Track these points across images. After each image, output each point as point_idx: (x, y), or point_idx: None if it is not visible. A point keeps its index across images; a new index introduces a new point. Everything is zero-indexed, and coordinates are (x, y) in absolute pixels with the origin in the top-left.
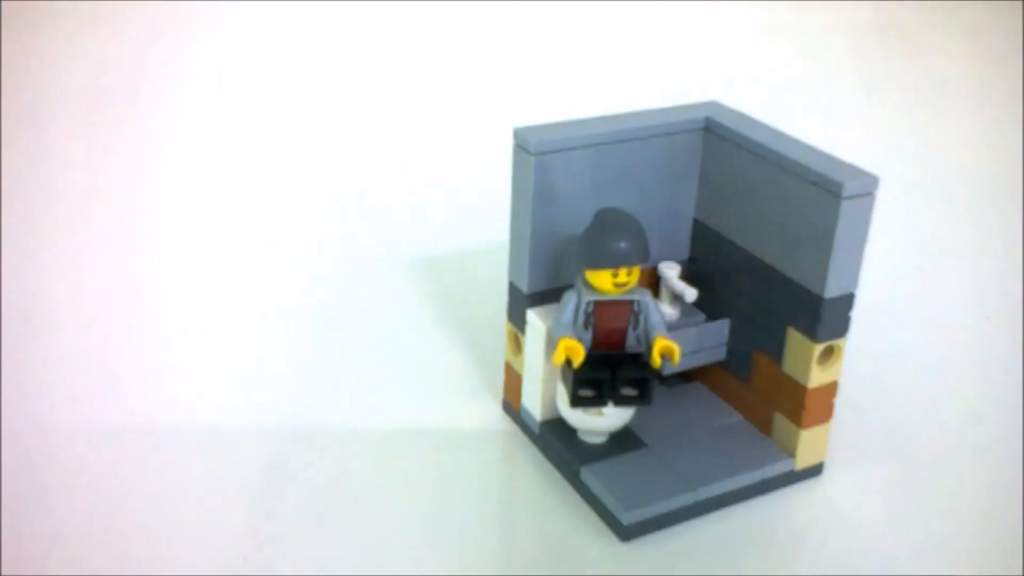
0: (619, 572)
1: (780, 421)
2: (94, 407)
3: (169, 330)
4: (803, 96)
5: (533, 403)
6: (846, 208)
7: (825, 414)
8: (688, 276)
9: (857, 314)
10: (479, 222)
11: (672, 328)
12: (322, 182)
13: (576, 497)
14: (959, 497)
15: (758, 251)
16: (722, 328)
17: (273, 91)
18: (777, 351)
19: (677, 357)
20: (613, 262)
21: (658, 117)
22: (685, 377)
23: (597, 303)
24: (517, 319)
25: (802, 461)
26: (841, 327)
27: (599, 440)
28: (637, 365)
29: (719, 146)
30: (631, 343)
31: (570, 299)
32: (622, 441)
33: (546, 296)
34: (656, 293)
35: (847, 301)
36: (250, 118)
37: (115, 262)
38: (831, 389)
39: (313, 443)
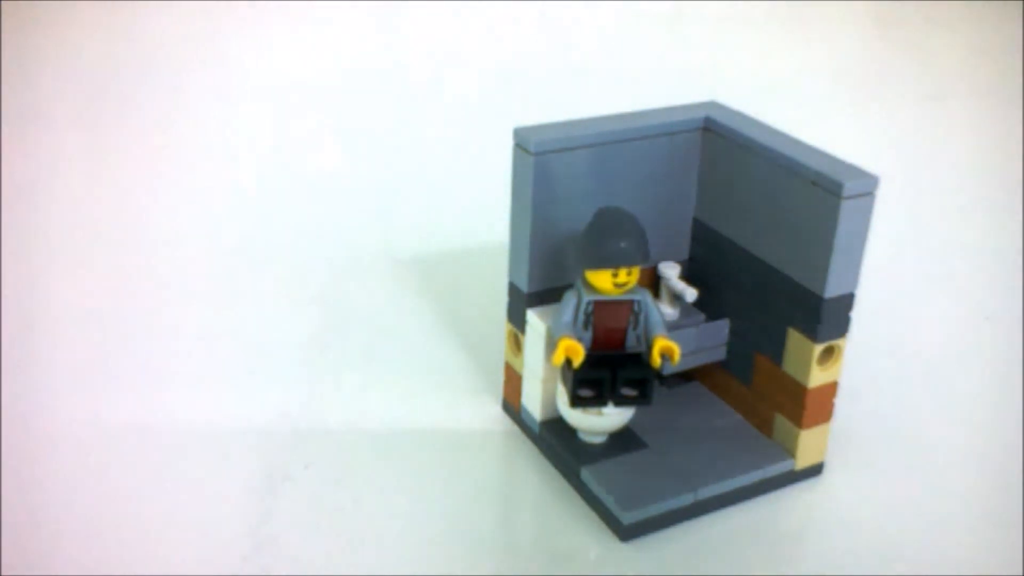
0: (619, 572)
1: (780, 421)
2: (94, 407)
3: (169, 330)
4: (803, 96)
5: (533, 403)
6: (846, 208)
7: (825, 414)
8: (688, 276)
9: (857, 314)
10: (479, 222)
11: (672, 328)
12: (322, 182)
13: (576, 497)
14: (959, 497)
15: (758, 251)
16: (722, 328)
17: (273, 91)
18: (777, 351)
19: (677, 357)
20: (613, 262)
21: (658, 117)
22: (685, 377)
23: (597, 303)
24: (517, 319)
25: (802, 461)
26: (841, 327)
27: (599, 440)
28: (637, 365)
29: (719, 146)
30: (631, 343)
31: (570, 299)
32: (622, 441)
33: (546, 296)
34: (656, 293)
35: (847, 301)
36: (250, 117)
37: (115, 262)
38: (831, 389)
39: (313, 443)
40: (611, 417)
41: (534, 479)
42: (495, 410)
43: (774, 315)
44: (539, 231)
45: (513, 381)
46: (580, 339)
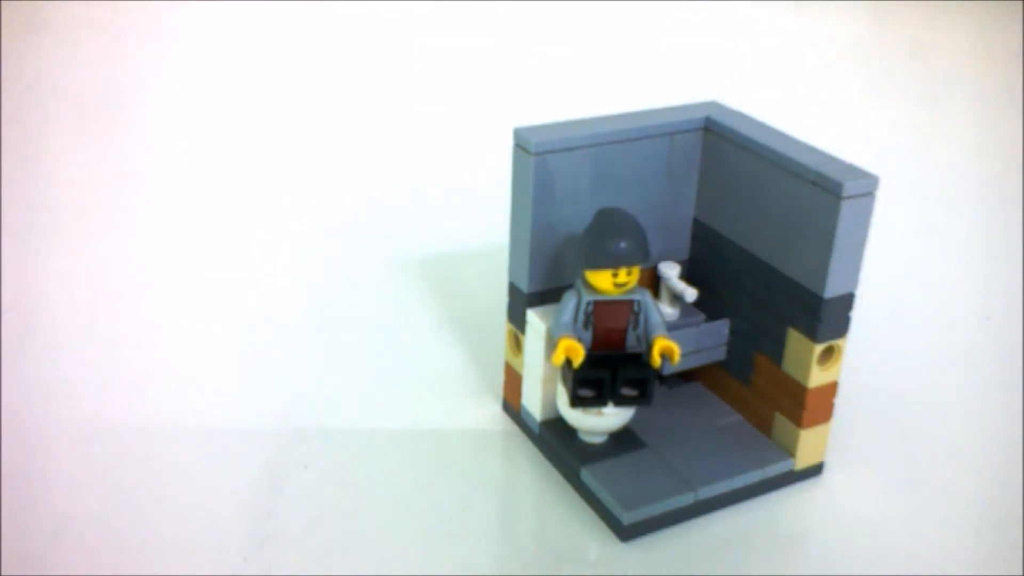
0: (619, 572)
1: (780, 421)
2: (94, 407)
3: (169, 330)
4: (803, 96)
5: (533, 403)
6: (846, 208)
7: (825, 414)
8: (688, 276)
9: (857, 314)
10: (479, 222)
11: (672, 328)
12: (322, 182)
13: (576, 497)
14: (959, 497)
15: (758, 251)
16: (722, 328)
17: (273, 91)
18: (777, 351)
19: (677, 357)
20: (613, 262)
21: (658, 117)
22: (685, 377)
23: (597, 303)
24: (517, 319)
25: (802, 461)
26: (841, 327)
27: (599, 440)
28: (637, 365)
29: (719, 146)
30: (631, 343)
31: (570, 299)
32: (622, 441)
33: (546, 296)
34: (656, 293)
35: (847, 301)
36: (250, 118)
37: (115, 262)
38: (831, 389)
39: (313, 443)
40: (611, 417)
41: (534, 479)
42: (495, 410)
43: (774, 315)
44: (539, 231)
45: (513, 381)
46: (580, 339)
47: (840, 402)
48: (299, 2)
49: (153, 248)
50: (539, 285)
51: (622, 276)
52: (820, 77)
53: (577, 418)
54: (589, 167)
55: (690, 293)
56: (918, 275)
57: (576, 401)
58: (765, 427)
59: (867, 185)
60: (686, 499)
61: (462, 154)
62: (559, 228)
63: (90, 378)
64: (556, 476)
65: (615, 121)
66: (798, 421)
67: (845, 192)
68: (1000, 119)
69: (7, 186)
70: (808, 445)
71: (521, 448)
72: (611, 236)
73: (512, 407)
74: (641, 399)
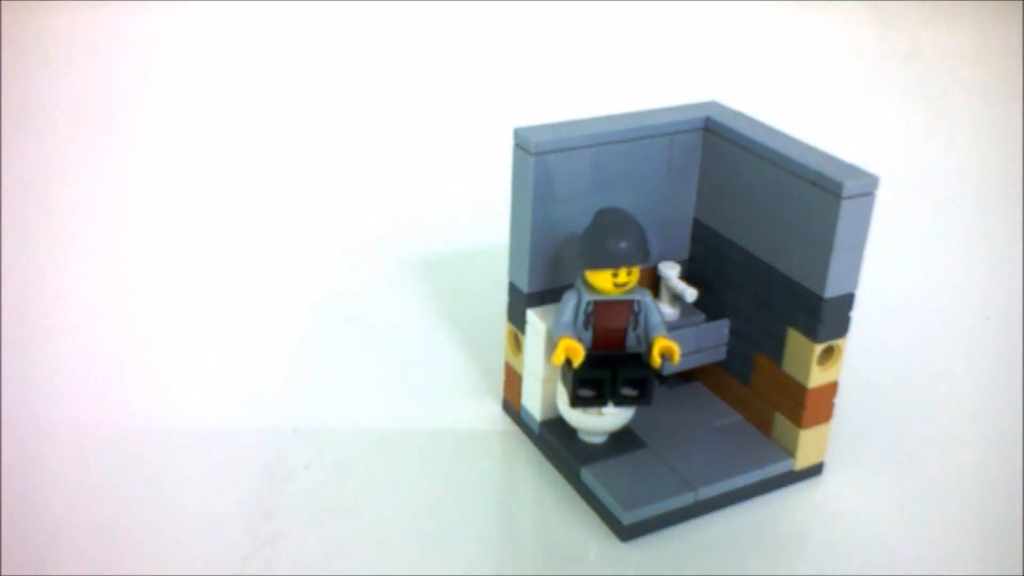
0: (619, 572)
1: (780, 421)
2: (94, 407)
3: (169, 330)
4: (803, 96)
5: (533, 403)
6: (846, 208)
7: (825, 414)
8: (688, 276)
9: (857, 314)
10: (479, 222)
11: (672, 328)
12: (322, 182)
13: (576, 497)
14: (959, 497)
15: (758, 251)
16: (722, 328)
17: (274, 92)
18: (777, 351)
19: (677, 357)
20: (613, 262)
21: (658, 117)
22: (685, 377)
23: (597, 303)
24: (517, 319)
25: (802, 461)
26: (841, 327)
27: (599, 440)
28: (637, 365)
29: (719, 146)
30: (631, 343)
31: (570, 299)
32: (622, 441)
33: (546, 296)
34: (656, 293)
35: (847, 301)
36: (250, 118)
37: (115, 262)
38: (831, 389)
39: (313, 443)
40: (611, 417)
41: (534, 479)
42: (495, 410)
43: (774, 315)
44: (539, 231)
45: (513, 381)
46: (580, 339)
47: (840, 402)
48: (300, 3)
49: (154, 248)
50: (539, 285)
51: (622, 276)
52: (820, 77)
53: (577, 418)
54: (589, 167)
55: (690, 293)
56: (918, 275)
57: (576, 401)
58: (765, 427)
59: (867, 185)
60: (686, 499)
61: (462, 154)
62: (559, 228)
63: (90, 378)
64: (556, 476)
65: (615, 121)
66: (798, 421)
67: (845, 192)
68: (1000, 119)
69: (7, 186)
70: (808, 445)
71: (521, 448)
72: (611, 236)
73: (512, 407)
74: (641, 399)
